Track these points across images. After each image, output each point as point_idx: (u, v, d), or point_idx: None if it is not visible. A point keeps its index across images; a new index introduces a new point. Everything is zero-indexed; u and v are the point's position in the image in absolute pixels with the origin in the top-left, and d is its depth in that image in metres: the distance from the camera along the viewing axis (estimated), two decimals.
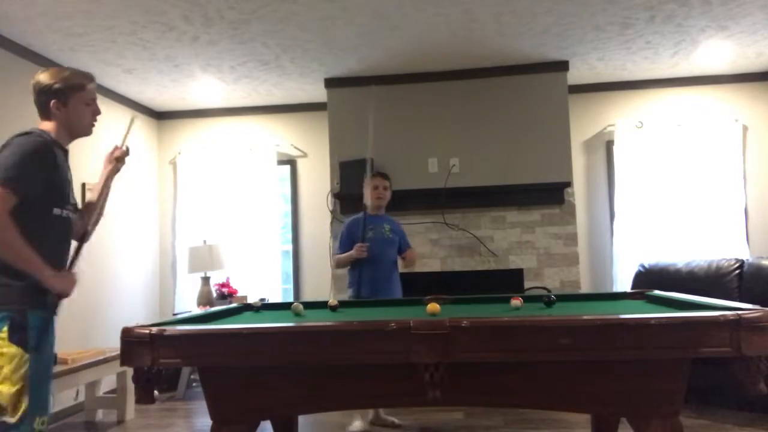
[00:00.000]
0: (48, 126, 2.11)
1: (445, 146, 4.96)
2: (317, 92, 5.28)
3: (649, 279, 4.50)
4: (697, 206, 5.10)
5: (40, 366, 1.98)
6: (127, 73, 4.70)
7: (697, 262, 4.46)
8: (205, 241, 5.25)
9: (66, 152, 2.18)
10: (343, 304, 2.80)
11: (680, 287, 3.11)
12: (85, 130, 2.22)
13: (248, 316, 2.62)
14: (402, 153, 4.98)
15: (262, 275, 5.53)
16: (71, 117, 2.15)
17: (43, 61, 4.28)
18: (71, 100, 2.14)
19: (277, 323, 1.99)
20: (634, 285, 4.63)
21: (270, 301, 4.48)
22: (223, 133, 5.79)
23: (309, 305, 2.86)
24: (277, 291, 5.59)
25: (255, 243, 5.57)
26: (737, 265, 4.25)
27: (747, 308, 1.76)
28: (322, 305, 2.74)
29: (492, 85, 4.96)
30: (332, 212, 5.09)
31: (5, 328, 1.91)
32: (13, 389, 1.90)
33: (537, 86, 4.91)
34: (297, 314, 2.51)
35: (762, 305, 1.78)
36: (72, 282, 2.10)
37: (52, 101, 2.11)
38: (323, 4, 3.62)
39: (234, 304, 2.88)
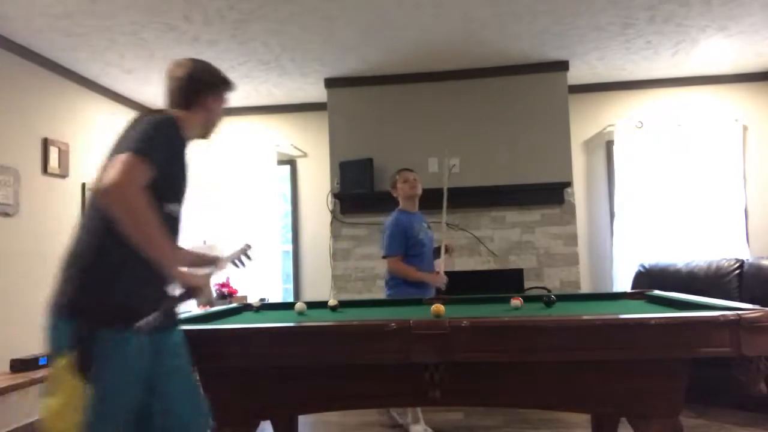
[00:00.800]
0: (182, 115, 1.86)
1: (445, 146, 4.95)
2: (317, 92, 5.28)
3: (649, 279, 4.50)
4: (697, 206, 5.10)
5: (105, 403, 1.53)
6: (127, 73, 4.70)
7: (697, 262, 4.46)
8: (205, 241, 5.25)
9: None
10: (343, 304, 2.80)
11: (680, 287, 3.11)
12: (212, 134, 2.05)
13: (248, 316, 2.62)
14: (402, 153, 4.98)
15: (262, 275, 5.52)
16: (213, 116, 1.99)
17: (43, 61, 4.28)
18: (219, 100, 2.00)
19: (277, 323, 1.99)
20: (634, 285, 4.63)
21: (270, 301, 4.48)
22: (223, 133, 5.78)
23: (309, 305, 2.87)
24: (277, 291, 5.59)
25: (255, 243, 5.56)
26: (737, 265, 4.25)
27: (747, 308, 1.76)
28: (322, 305, 2.74)
29: (492, 85, 4.96)
30: (332, 212, 5.09)
31: (66, 348, 1.52)
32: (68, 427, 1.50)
33: (537, 86, 4.91)
34: (300, 313, 2.52)
35: (762, 305, 1.78)
36: (207, 282, 1.77)
37: (207, 94, 1.93)
38: (323, 4, 3.62)
39: (234, 304, 2.88)
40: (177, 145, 1.76)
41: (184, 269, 1.70)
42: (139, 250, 1.54)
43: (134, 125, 1.72)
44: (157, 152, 1.61)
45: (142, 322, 1.53)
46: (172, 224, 1.75)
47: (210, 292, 1.73)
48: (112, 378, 1.53)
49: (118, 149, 1.62)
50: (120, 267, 1.59)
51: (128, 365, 1.57)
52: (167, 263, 1.59)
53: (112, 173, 1.50)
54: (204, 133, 2.00)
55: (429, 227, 3.74)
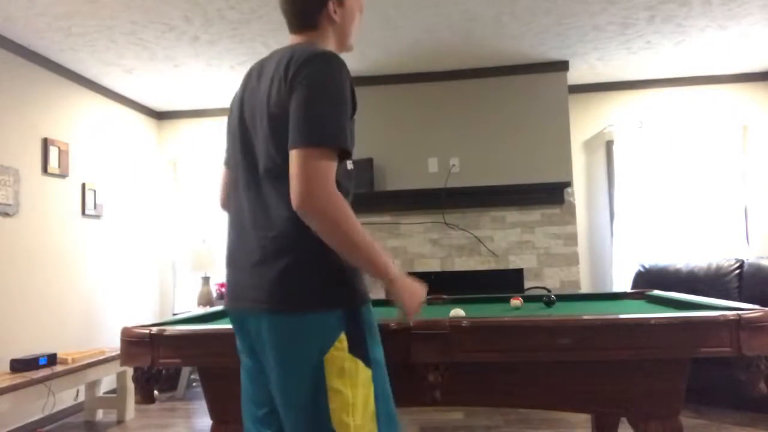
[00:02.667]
0: (315, 41, 1.52)
1: (445, 146, 4.96)
2: None
3: (649, 279, 4.50)
4: (697, 206, 5.11)
5: (386, 386, 1.43)
6: (127, 73, 4.70)
7: (697, 262, 4.46)
8: (205, 241, 5.25)
9: None
10: None
11: (680, 287, 3.11)
12: (351, 44, 1.64)
13: None
14: (402, 153, 4.99)
15: None
16: (346, 25, 1.58)
17: (43, 61, 4.28)
18: (348, 1, 1.57)
19: None
20: (634, 285, 4.63)
21: None
22: (223, 133, 5.79)
23: None
24: None
25: None
26: (737, 265, 4.26)
27: (747, 308, 1.77)
28: None
29: (492, 85, 4.96)
30: None
31: (343, 335, 1.33)
32: (367, 423, 1.34)
33: (537, 86, 4.91)
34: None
35: (762, 305, 1.78)
36: (421, 294, 1.51)
37: (329, 3, 1.52)
38: None
39: None
40: (350, 93, 1.37)
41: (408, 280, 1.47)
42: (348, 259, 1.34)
43: (294, 76, 1.33)
44: (345, 125, 1.31)
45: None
46: (348, 181, 1.45)
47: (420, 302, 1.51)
48: (380, 355, 1.43)
49: (276, 128, 1.34)
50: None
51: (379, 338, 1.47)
52: (383, 274, 1.37)
53: (300, 185, 1.26)
54: (346, 46, 1.63)
55: None
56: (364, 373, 1.35)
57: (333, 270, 1.35)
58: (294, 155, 1.28)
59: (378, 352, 1.42)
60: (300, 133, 1.28)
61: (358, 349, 1.35)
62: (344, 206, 1.28)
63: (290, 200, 1.28)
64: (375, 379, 1.37)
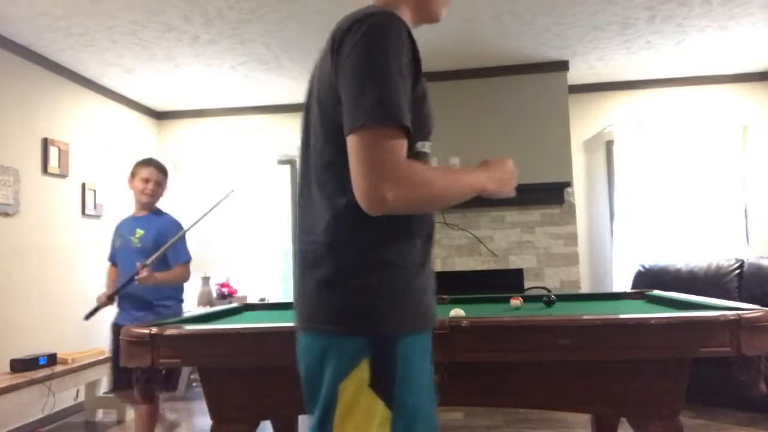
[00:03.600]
0: (386, 3, 1.28)
1: (445, 146, 4.96)
2: None
3: (649, 279, 4.50)
4: (697, 206, 5.11)
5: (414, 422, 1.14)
6: (127, 73, 4.70)
7: (697, 262, 4.46)
8: (205, 242, 5.25)
9: None
10: None
11: (680, 287, 3.11)
12: (438, 13, 1.38)
13: (248, 315, 2.62)
14: None
15: (262, 275, 5.53)
16: None
17: (43, 61, 4.28)
18: None
19: (277, 323, 1.99)
20: (634, 285, 4.63)
21: (270, 301, 4.48)
22: (223, 133, 5.79)
23: None
24: (278, 291, 5.59)
25: (255, 243, 5.58)
26: (737, 265, 4.25)
27: (747, 308, 1.76)
28: None
29: (492, 85, 4.96)
30: None
31: (364, 364, 1.12)
32: None
33: (537, 86, 4.91)
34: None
35: (762, 305, 1.78)
36: (509, 175, 1.36)
37: None
38: (323, 4, 3.62)
39: (234, 304, 2.88)
40: (406, 57, 1.14)
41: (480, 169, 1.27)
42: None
43: (350, 49, 1.10)
44: (395, 97, 1.07)
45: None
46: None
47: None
48: (418, 406, 1.15)
49: (324, 116, 1.15)
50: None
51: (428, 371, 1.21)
52: (476, 187, 1.21)
53: (357, 182, 1.06)
54: (429, 16, 1.38)
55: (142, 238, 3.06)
56: (382, 415, 1.10)
57: (370, 288, 1.13)
58: (348, 146, 1.08)
59: (413, 399, 1.13)
60: (349, 117, 1.08)
61: (382, 386, 1.11)
62: (418, 186, 1.07)
63: (333, 203, 1.14)
64: (395, 428, 1.11)
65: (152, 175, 3.07)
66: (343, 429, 1.11)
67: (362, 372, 1.11)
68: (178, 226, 3.10)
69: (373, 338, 1.12)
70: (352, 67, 1.08)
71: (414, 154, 1.15)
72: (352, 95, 1.08)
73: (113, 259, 3.18)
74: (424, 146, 1.21)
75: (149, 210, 3.12)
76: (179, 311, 3.05)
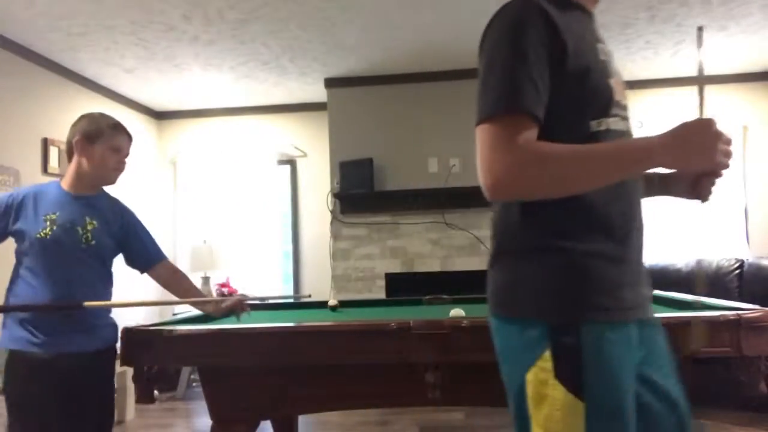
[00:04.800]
0: None
1: (445, 146, 4.96)
2: (317, 92, 5.28)
3: (649, 279, 4.50)
4: (697, 206, 5.09)
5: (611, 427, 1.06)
6: (127, 73, 4.70)
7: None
8: (205, 241, 5.25)
9: (590, 14, 1.22)
10: (343, 304, 2.80)
11: (680, 287, 3.11)
12: None
13: (248, 315, 2.62)
14: (402, 153, 4.98)
15: (262, 275, 5.53)
16: None
17: (43, 61, 4.28)
18: None
19: (277, 323, 1.99)
20: None
21: (270, 302, 4.48)
22: (223, 133, 5.79)
23: (309, 305, 2.87)
24: (277, 291, 5.60)
25: (255, 243, 5.58)
26: (737, 265, 4.25)
27: (747, 308, 1.76)
28: (322, 305, 2.74)
29: None
30: (332, 212, 5.09)
31: (547, 354, 1.08)
32: None
33: None
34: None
35: (762, 305, 1.78)
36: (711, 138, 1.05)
37: None
38: (323, 4, 3.62)
39: None
40: (535, 37, 1.07)
41: None
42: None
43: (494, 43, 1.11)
44: (517, 81, 1.05)
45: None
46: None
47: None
48: (615, 400, 1.07)
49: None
50: None
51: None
52: (643, 164, 1.07)
53: (479, 175, 1.07)
54: None
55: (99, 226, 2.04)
56: (573, 407, 1.04)
57: (551, 269, 1.09)
58: None
59: (605, 393, 1.05)
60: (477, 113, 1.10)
61: (569, 376, 1.05)
62: (536, 171, 1.03)
63: None
64: (590, 424, 1.04)
65: (126, 146, 2.15)
66: (537, 420, 1.08)
67: (546, 362, 1.07)
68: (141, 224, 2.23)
69: (553, 325, 1.07)
70: (479, 68, 1.12)
71: (591, 135, 1.10)
72: (477, 95, 1.10)
73: (22, 248, 1.96)
74: (600, 125, 1.10)
75: (95, 191, 2.09)
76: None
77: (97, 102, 4.94)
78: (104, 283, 2.07)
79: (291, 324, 1.99)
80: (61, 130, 4.49)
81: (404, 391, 1.90)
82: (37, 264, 1.94)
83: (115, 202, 2.17)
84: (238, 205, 5.64)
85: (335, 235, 5.05)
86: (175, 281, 2.17)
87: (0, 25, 3.73)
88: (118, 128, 2.11)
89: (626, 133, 1.16)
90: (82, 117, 2.10)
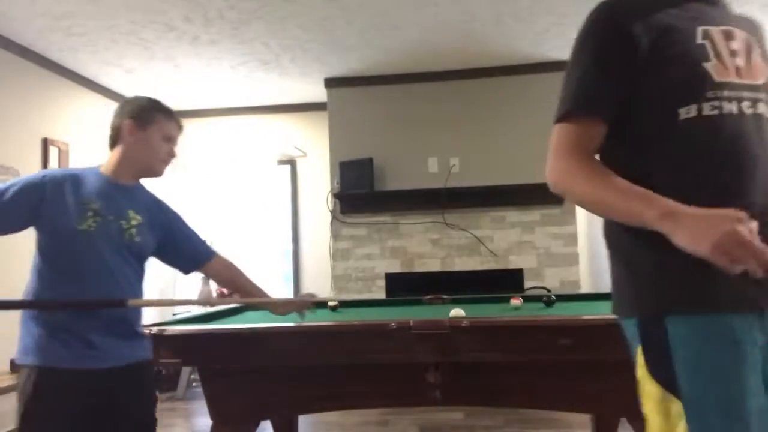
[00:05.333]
0: None
1: (445, 146, 4.96)
2: (317, 92, 5.28)
3: None
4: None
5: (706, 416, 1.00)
6: (127, 73, 4.70)
7: None
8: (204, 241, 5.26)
9: None
10: (343, 304, 2.80)
11: None
12: None
13: (248, 315, 2.62)
14: (402, 153, 4.98)
15: (262, 275, 5.53)
16: None
17: (43, 61, 4.28)
18: None
19: (277, 323, 1.99)
20: None
21: None
22: (223, 133, 5.79)
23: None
24: (277, 291, 5.60)
25: (255, 243, 5.58)
26: None
27: None
28: (322, 305, 2.74)
29: (492, 85, 4.96)
30: (332, 212, 5.09)
31: (639, 349, 1.09)
32: None
33: (537, 86, 4.90)
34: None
35: None
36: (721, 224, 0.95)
37: None
38: (323, 4, 3.62)
39: (234, 305, 2.88)
40: (601, 36, 1.17)
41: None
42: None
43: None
44: (579, 83, 1.20)
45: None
46: (688, 145, 1.09)
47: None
48: (708, 395, 1.01)
49: None
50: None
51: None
52: (637, 218, 1.05)
53: (546, 170, 1.21)
54: None
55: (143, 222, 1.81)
56: (668, 405, 1.04)
57: (637, 265, 1.11)
58: None
59: (700, 389, 1.00)
60: None
61: (660, 372, 1.05)
62: (567, 175, 1.15)
63: None
64: (690, 423, 1.00)
65: (177, 136, 1.88)
66: (645, 416, 1.12)
67: (640, 357, 1.09)
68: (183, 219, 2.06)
69: (640, 319, 1.09)
70: None
71: (682, 123, 1.09)
72: None
73: (54, 241, 1.70)
74: (689, 111, 1.09)
75: (135, 182, 1.87)
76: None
77: (97, 102, 4.94)
78: (141, 286, 1.86)
79: (291, 324, 1.99)
80: (61, 130, 4.50)
81: (404, 391, 1.90)
82: (73, 263, 1.63)
83: (155, 196, 1.93)
84: (238, 205, 5.64)
85: (335, 235, 5.05)
86: (232, 277, 1.99)
87: (0, 25, 3.74)
88: (171, 115, 1.85)
89: (741, 116, 1.08)
90: (130, 101, 1.86)
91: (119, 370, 1.68)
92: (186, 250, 1.97)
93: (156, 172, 1.85)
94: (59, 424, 1.59)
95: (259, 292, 1.97)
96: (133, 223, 1.75)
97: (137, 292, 1.80)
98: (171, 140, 1.83)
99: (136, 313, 1.80)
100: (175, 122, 1.85)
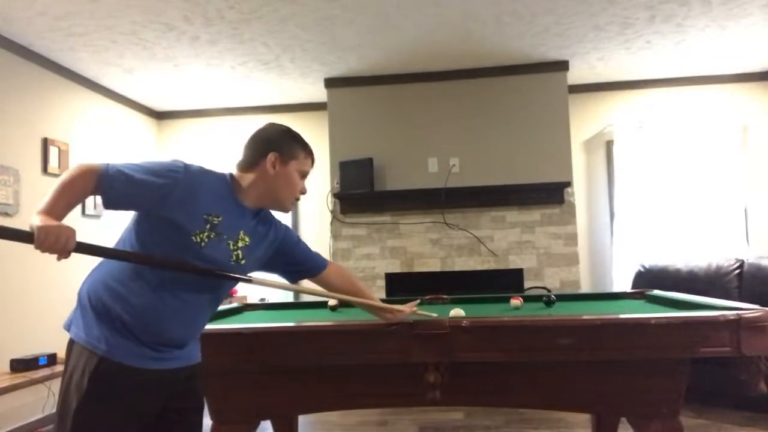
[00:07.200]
0: None
1: (445, 146, 4.96)
2: (317, 92, 5.28)
3: (649, 279, 4.50)
4: (697, 206, 5.10)
5: None
6: (127, 73, 4.70)
7: (697, 262, 4.46)
8: None
9: None
10: (343, 304, 2.79)
11: (680, 287, 3.11)
12: None
13: (248, 315, 2.62)
14: (402, 153, 4.98)
15: (261, 275, 5.52)
16: None
17: (43, 61, 4.28)
18: None
19: (277, 323, 1.99)
20: (634, 285, 4.63)
21: (270, 301, 4.48)
22: (223, 133, 5.79)
23: (309, 305, 2.87)
24: (277, 291, 5.59)
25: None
26: (737, 265, 4.25)
27: (747, 308, 1.77)
28: (322, 305, 2.74)
29: (492, 85, 4.96)
30: (332, 212, 5.09)
31: None
32: None
33: (537, 86, 4.90)
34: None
35: (762, 305, 1.78)
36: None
37: None
38: (323, 4, 3.62)
39: (234, 304, 2.88)
40: None
41: None
42: None
43: None
44: None
45: None
46: None
47: None
48: None
49: None
50: None
51: None
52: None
53: None
54: None
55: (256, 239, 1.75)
56: None
57: None
58: None
59: None
60: None
61: None
62: None
63: None
64: None
65: (310, 172, 1.82)
66: None
67: None
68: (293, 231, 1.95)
69: None
70: None
71: None
72: None
73: (159, 239, 1.58)
74: None
75: (256, 207, 1.75)
76: None
77: (97, 102, 4.94)
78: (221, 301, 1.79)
79: (291, 324, 1.99)
80: (61, 130, 4.50)
81: (404, 391, 1.90)
82: (176, 275, 1.53)
83: (269, 215, 1.82)
84: None
85: (335, 235, 5.05)
86: (347, 284, 1.93)
87: (0, 25, 3.73)
88: (311, 152, 1.78)
89: None
90: (274, 130, 1.79)
91: (185, 371, 1.65)
92: (304, 263, 1.89)
93: (284, 209, 1.77)
94: (119, 416, 1.56)
95: (369, 296, 1.94)
96: (240, 244, 1.66)
97: (214, 308, 1.75)
98: (305, 177, 1.78)
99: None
100: (312, 159, 1.79)
